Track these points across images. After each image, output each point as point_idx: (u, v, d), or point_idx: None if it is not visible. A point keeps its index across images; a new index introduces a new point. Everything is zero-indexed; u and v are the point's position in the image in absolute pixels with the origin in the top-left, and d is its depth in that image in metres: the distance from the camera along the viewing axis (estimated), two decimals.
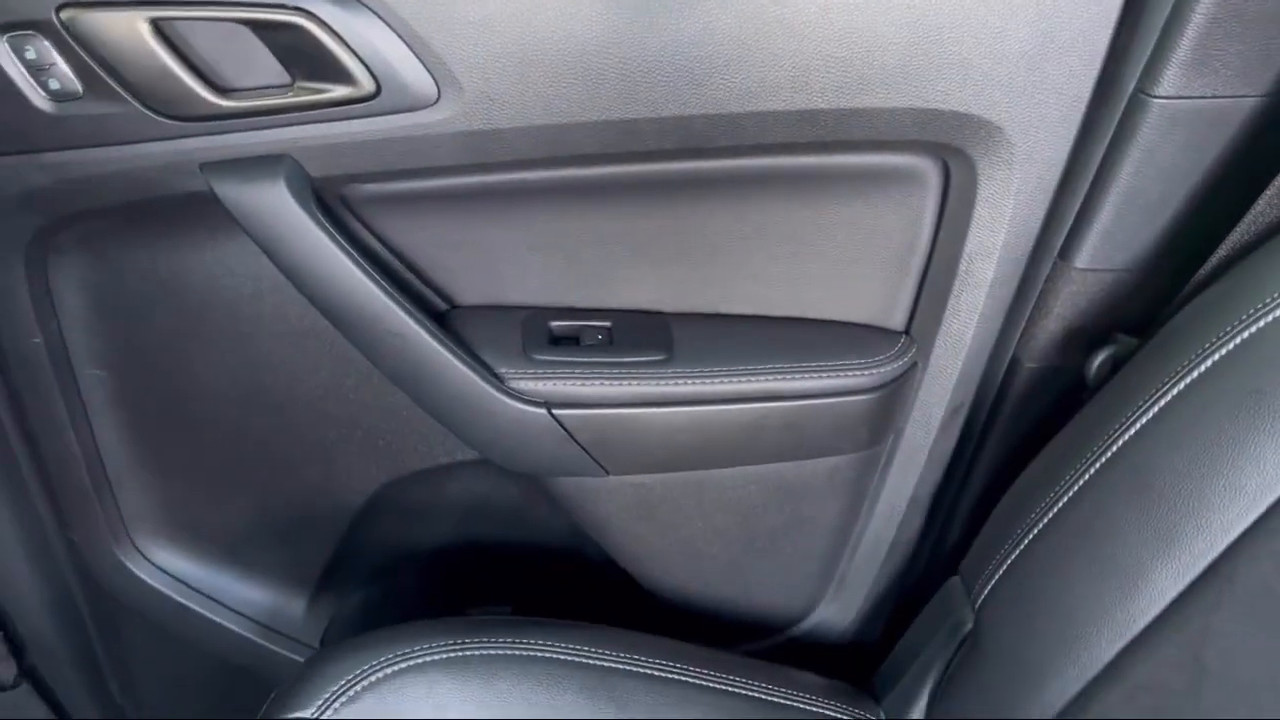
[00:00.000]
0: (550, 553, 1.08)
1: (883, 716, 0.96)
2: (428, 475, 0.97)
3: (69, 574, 1.00)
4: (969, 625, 0.89)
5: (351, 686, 0.82)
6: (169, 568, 1.02)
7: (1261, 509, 0.66)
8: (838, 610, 1.07)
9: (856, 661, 1.08)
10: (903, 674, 0.96)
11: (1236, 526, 0.67)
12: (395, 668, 0.84)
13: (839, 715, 0.95)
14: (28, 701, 1.07)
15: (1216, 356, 0.70)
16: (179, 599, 1.02)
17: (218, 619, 1.04)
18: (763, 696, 0.93)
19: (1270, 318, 0.68)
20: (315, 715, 0.81)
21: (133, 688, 1.12)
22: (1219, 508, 0.68)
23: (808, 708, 0.94)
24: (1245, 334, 0.69)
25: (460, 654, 0.86)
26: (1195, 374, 0.71)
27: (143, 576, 1.01)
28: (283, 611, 1.06)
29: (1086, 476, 0.77)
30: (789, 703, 0.94)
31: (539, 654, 0.88)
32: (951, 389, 0.89)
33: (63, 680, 1.07)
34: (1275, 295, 0.68)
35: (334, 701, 0.82)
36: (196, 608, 1.03)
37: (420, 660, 0.85)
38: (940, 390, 0.89)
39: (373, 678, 0.83)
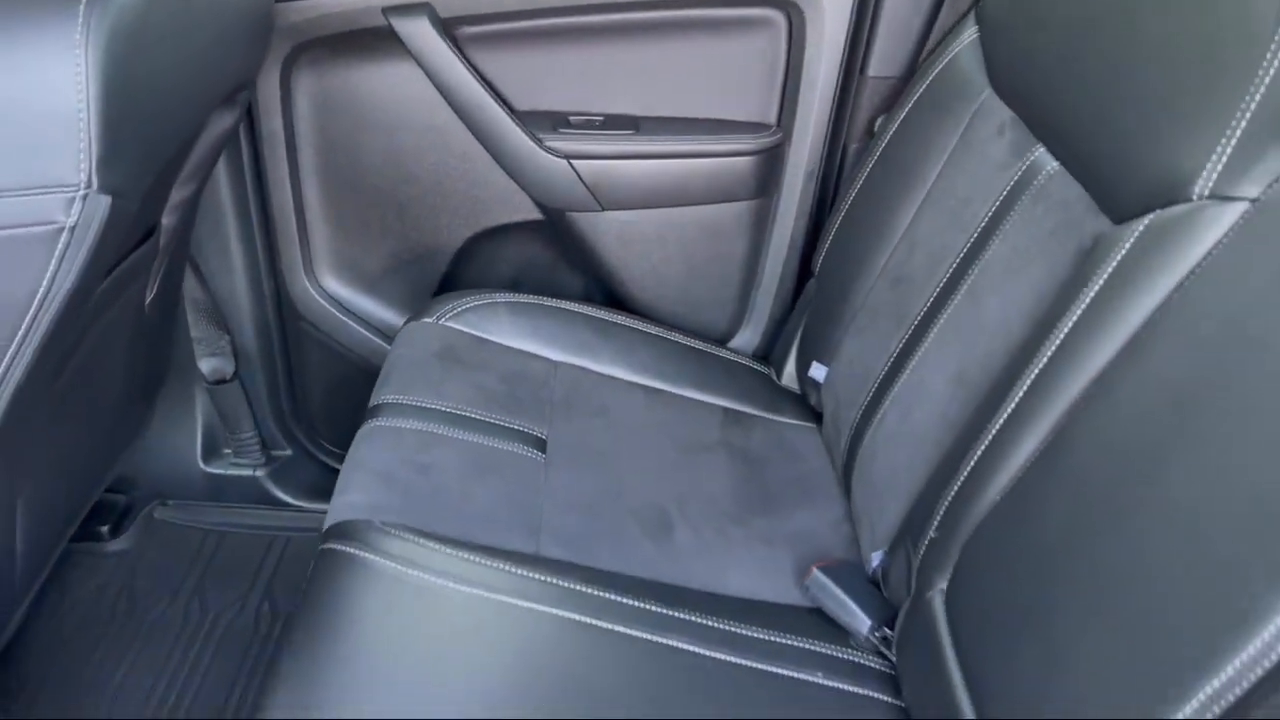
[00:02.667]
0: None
1: (770, 369, 1.56)
2: (497, 231, 1.60)
3: (269, 297, 1.62)
4: (814, 290, 1.49)
5: (454, 310, 1.44)
6: (334, 293, 1.64)
7: (946, 154, 1.26)
8: (750, 335, 1.67)
9: None
10: (783, 348, 1.56)
11: (939, 164, 1.27)
12: (480, 303, 1.45)
13: (743, 362, 1.55)
14: (236, 395, 1.68)
15: (923, 87, 1.33)
16: (339, 315, 1.64)
17: (362, 330, 1.65)
18: (697, 347, 1.53)
19: (946, 59, 1.30)
20: (435, 320, 1.42)
21: (301, 388, 1.72)
22: (934, 160, 1.28)
23: (729, 360, 1.54)
24: (935, 71, 1.32)
25: (520, 302, 1.48)
26: (915, 99, 1.34)
27: (318, 298, 1.63)
28: None
29: (866, 170, 1.39)
30: (717, 355, 1.54)
31: (567, 309, 1.50)
32: (805, 158, 1.51)
33: (254, 381, 1.67)
34: (954, 46, 1.30)
35: (445, 316, 1.43)
36: (350, 322, 1.64)
37: (495, 302, 1.46)
38: (798, 159, 1.51)
39: (467, 306, 1.44)
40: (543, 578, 1.05)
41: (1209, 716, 0.64)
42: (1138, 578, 0.73)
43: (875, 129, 1.46)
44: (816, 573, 1.14)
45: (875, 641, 1.09)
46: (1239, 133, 0.80)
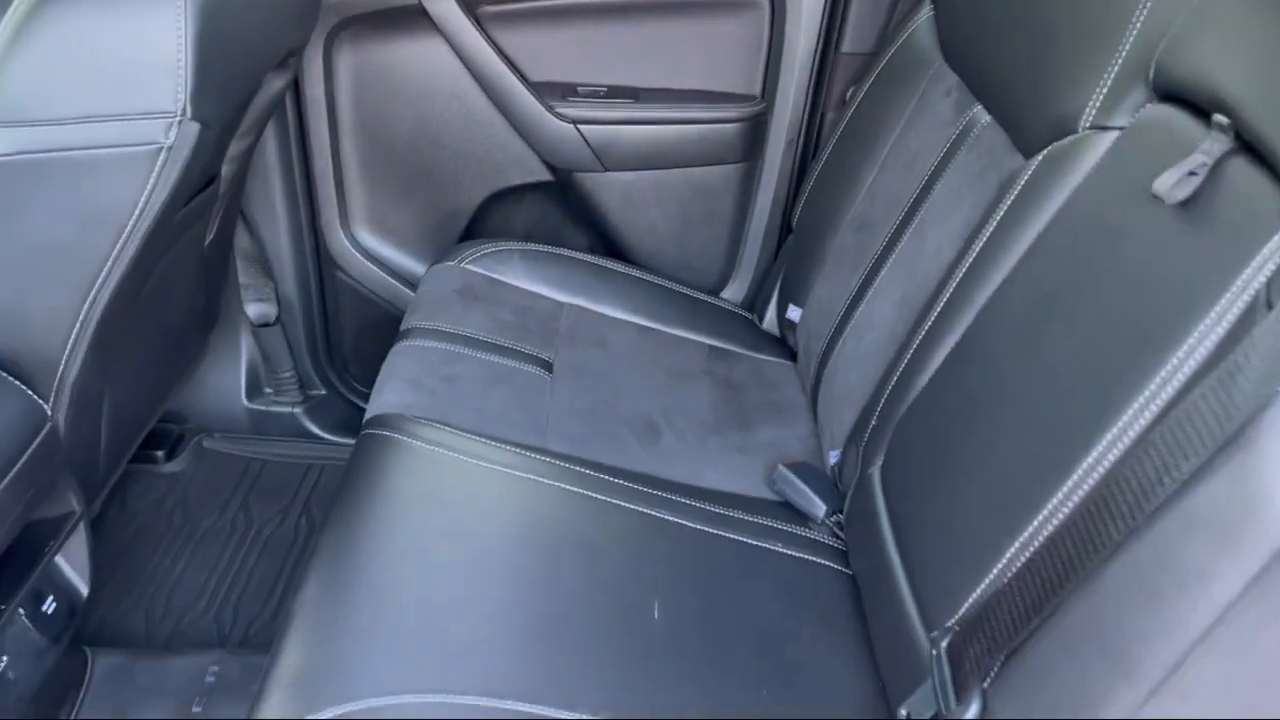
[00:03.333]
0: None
1: (754, 315, 1.75)
2: (512, 191, 1.80)
3: (309, 249, 1.81)
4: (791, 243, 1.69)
5: (473, 255, 1.63)
6: (367, 246, 1.83)
7: (904, 117, 1.45)
8: (738, 288, 1.86)
9: None
10: (764, 296, 1.75)
11: (898, 126, 1.46)
12: (496, 250, 1.65)
13: (729, 308, 1.74)
14: (278, 338, 1.87)
15: (886, 60, 1.52)
16: (371, 265, 1.83)
17: (390, 279, 1.84)
18: (688, 294, 1.73)
19: (906, 35, 1.49)
20: (456, 263, 1.62)
21: (335, 333, 1.92)
22: (894, 123, 1.46)
23: (716, 305, 1.74)
24: (896, 46, 1.51)
25: (531, 250, 1.67)
26: (879, 71, 1.53)
27: (353, 250, 1.82)
28: None
29: (837, 135, 1.58)
30: (706, 301, 1.73)
31: (573, 257, 1.69)
32: (786, 125, 1.70)
33: (294, 325, 1.87)
34: (913, 24, 1.49)
35: (465, 260, 1.62)
36: (380, 272, 1.84)
37: (509, 249, 1.66)
38: (779, 126, 1.71)
39: (485, 252, 1.64)
40: (548, 460, 1.24)
41: (1063, 512, 0.83)
42: (1016, 423, 0.91)
43: (848, 99, 1.65)
44: (782, 469, 1.33)
45: (830, 525, 1.28)
46: (1113, 75, 0.99)
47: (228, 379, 1.91)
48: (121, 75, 1.00)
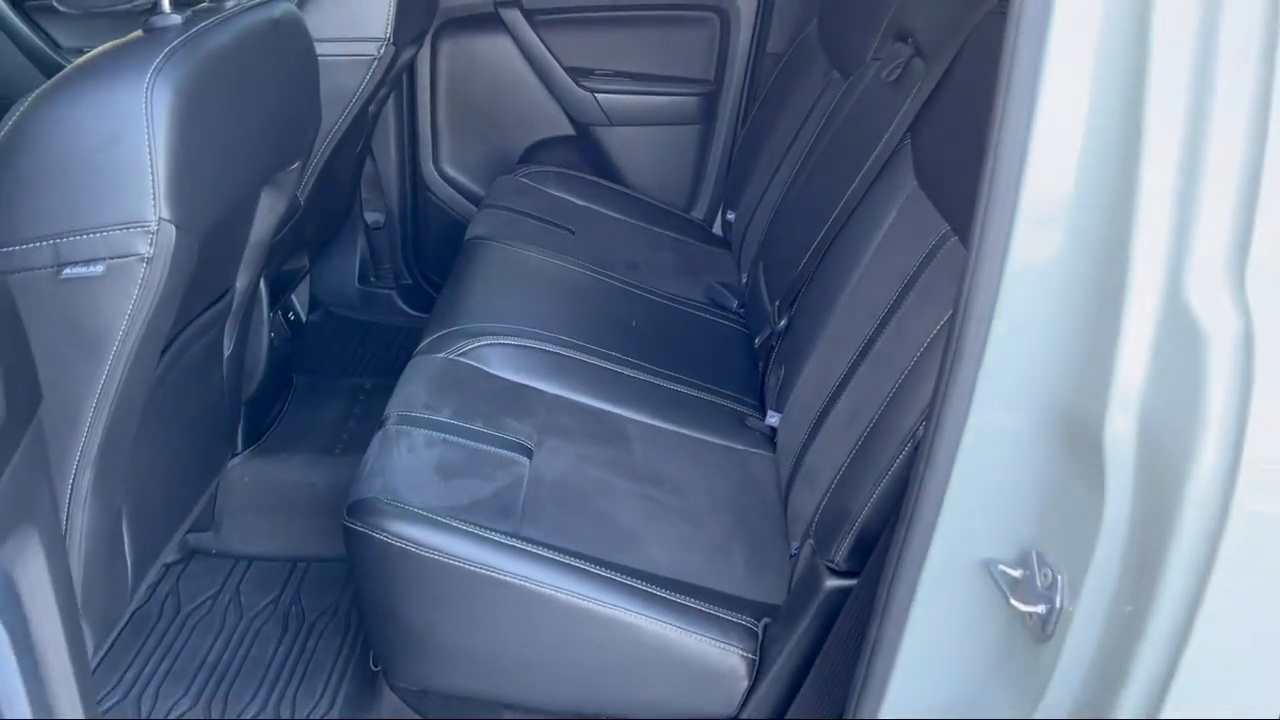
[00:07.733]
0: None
1: (706, 224, 2.62)
2: (548, 140, 2.68)
3: (408, 175, 2.69)
4: None
5: (525, 172, 2.51)
6: (448, 175, 2.71)
7: (797, 88, 2.34)
8: (699, 209, 2.73)
9: None
10: (714, 209, 2.62)
11: (794, 93, 2.35)
12: (539, 170, 2.53)
13: (690, 219, 2.61)
14: (383, 238, 2.74)
15: (788, 56, 2.41)
16: (450, 189, 2.71)
17: (461, 198, 2.71)
18: (664, 208, 2.60)
19: (801, 38, 2.39)
20: (515, 176, 2.49)
21: (423, 237, 2.78)
22: (793, 93, 2.36)
23: (682, 216, 2.61)
24: (794, 46, 2.41)
25: (561, 172, 2.54)
26: (784, 63, 2.42)
27: (439, 177, 2.70)
28: None
29: (758, 105, 2.48)
30: (676, 213, 2.61)
31: (590, 179, 2.56)
32: (731, 100, 2.59)
33: (394, 229, 2.73)
34: (806, 30, 2.39)
35: (519, 174, 2.49)
36: (455, 193, 2.71)
37: (546, 170, 2.53)
38: (726, 100, 2.60)
39: (531, 171, 2.52)
40: (584, 269, 2.10)
41: (826, 229, 1.68)
42: (804, 200, 1.78)
43: (769, 82, 2.54)
44: (712, 282, 2.19)
45: (738, 313, 2.13)
46: (881, 31, 1.88)
47: (345, 266, 2.77)
48: (351, 14, 1.88)
